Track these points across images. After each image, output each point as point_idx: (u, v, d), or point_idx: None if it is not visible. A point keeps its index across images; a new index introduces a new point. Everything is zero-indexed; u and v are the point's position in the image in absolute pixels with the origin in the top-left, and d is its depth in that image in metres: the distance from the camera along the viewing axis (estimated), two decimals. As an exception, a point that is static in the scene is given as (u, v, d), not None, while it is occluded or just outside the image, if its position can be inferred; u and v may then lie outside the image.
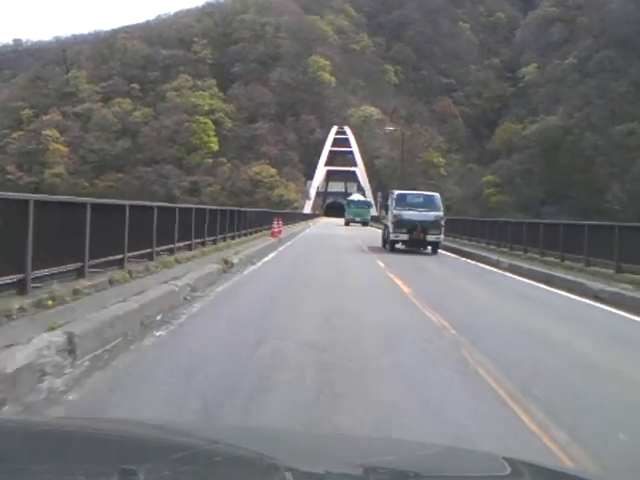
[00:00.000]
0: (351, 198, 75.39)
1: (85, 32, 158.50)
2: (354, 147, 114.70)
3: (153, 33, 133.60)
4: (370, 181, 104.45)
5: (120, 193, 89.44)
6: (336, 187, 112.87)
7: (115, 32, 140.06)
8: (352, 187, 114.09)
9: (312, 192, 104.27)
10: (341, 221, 68.92)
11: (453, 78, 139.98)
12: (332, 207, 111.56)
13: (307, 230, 44.13)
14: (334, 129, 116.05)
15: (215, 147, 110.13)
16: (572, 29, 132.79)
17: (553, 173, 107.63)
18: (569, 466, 3.53)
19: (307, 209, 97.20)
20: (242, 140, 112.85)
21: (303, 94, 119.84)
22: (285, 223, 37.89)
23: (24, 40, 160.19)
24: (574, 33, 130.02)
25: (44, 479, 1.38)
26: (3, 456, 1.50)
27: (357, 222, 63.20)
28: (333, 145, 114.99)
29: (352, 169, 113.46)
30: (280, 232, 27.88)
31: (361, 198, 77.04)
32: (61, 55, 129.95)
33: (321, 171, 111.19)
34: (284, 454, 1.71)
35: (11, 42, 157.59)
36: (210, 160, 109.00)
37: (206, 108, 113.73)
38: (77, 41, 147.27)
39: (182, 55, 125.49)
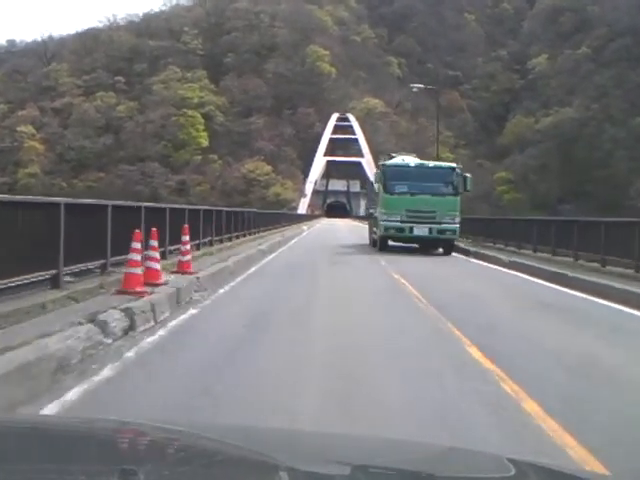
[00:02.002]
0: (396, 162, 24.81)
1: (80, 30, 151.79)
2: (359, 135, 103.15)
3: (141, 25, 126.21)
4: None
5: (101, 194, 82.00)
6: (337, 185, 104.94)
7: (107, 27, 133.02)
8: (355, 185, 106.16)
9: (309, 187, 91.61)
10: (346, 225, 53.00)
11: (459, 71, 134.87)
12: (333, 207, 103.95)
13: (291, 243, 26.65)
14: (334, 116, 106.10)
15: (205, 143, 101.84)
16: (583, 19, 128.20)
17: (570, 168, 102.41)
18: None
19: (302, 209, 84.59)
20: (235, 135, 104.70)
21: (301, 86, 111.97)
22: (252, 231, 25.48)
23: (18, 41, 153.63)
24: (585, 23, 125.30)
25: (44, 479, 1.38)
26: (3, 456, 1.50)
27: (419, 240, 22.74)
28: (334, 133, 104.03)
29: (357, 159, 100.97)
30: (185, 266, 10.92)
31: (426, 162, 24.99)
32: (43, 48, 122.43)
33: (320, 162, 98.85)
34: (284, 454, 1.71)
35: (5, 43, 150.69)
36: (199, 157, 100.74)
37: (195, 101, 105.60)
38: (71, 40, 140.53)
39: (171, 46, 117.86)
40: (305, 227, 46.88)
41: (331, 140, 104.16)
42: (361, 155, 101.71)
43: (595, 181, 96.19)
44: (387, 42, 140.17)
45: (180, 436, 1.84)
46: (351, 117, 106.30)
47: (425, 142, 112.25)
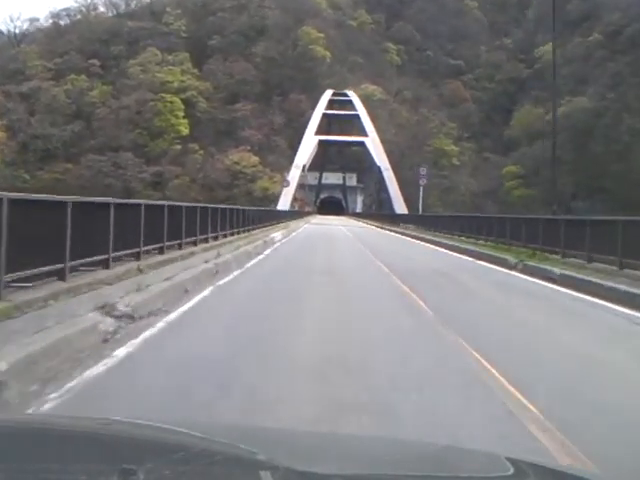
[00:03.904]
0: None
1: (54, 10, 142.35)
2: (361, 111, 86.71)
3: (120, 4, 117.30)
4: (372, 171, 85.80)
5: (66, 188, 73.58)
6: (332, 178, 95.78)
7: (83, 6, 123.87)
8: (351, 178, 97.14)
9: (294, 174, 72.14)
10: (350, 229, 39.86)
11: (461, 60, 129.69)
12: (327, 203, 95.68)
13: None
14: (329, 92, 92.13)
15: (185, 131, 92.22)
16: (591, 5, 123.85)
17: (585, 162, 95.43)
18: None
19: (284, 203, 66.23)
20: (219, 124, 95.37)
21: (292, 70, 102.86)
22: (160, 248, 12.69)
23: (5, 31, 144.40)
24: (595, 9, 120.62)
25: (44, 479, 1.40)
26: (3, 456, 1.52)
27: None
28: (329, 108, 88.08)
29: (359, 139, 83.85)
30: None
31: None
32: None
33: (310, 142, 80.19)
34: (284, 454, 1.74)
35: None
36: (178, 147, 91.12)
37: (176, 85, 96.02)
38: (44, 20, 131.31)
39: (152, 28, 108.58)
40: (278, 234, 28.75)
41: (325, 117, 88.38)
42: (364, 134, 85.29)
43: (612, 176, 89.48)
44: (385, 28, 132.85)
45: (180, 436, 1.85)
46: (350, 93, 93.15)
47: (427, 134, 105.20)
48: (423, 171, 51.24)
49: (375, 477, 1.64)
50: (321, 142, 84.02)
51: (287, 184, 62.52)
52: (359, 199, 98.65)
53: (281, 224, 37.83)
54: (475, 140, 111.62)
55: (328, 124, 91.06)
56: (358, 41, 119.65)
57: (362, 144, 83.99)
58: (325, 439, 2.31)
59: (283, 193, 65.15)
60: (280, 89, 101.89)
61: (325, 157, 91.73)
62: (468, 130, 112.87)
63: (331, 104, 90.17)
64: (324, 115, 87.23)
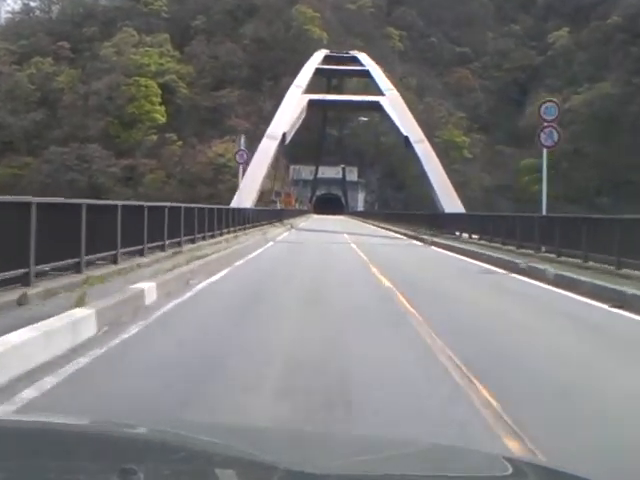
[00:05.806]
0: None
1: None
2: (371, 66, 65.11)
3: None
4: (374, 164, 75.43)
5: (25, 185, 64.24)
6: (329, 172, 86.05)
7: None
8: (352, 173, 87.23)
9: (266, 147, 50.01)
10: (377, 262, 20.81)
11: (467, 47, 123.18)
12: (324, 201, 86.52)
13: None
14: (322, 52, 73.50)
15: (162, 119, 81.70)
16: None
17: (610, 154, 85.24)
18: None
19: (245, 197, 39.03)
20: (202, 111, 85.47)
21: (285, 53, 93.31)
22: None
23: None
24: None
25: (44, 479, 1.40)
26: (3, 456, 1.53)
27: None
28: (325, 63, 68.13)
29: (373, 98, 59.30)
30: None
31: None
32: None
33: (295, 103, 54.34)
34: (284, 454, 1.76)
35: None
36: (154, 137, 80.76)
37: (153, 69, 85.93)
38: None
39: (131, 8, 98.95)
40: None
41: (321, 74, 65.02)
42: (381, 93, 60.35)
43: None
44: (386, 14, 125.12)
45: (180, 436, 1.86)
46: (355, 52, 74.79)
47: (435, 123, 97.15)
48: (552, 112, 21.47)
49: (375, 477, 1.64)
50: (312, 104, 58.17)
51: (242, 159, 34.46)
52: (360, 196, 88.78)
53: (204, 242, 18.46)
54: (485, 132, 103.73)
55: (327, 85, 71.89)
56: (357, 24, 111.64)
57: (376, 106, 59.80)
58: (324, 439, 2.29)
59: (244, 176, 38.34)
60: (271, 73, 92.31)
61: (322, 112, 74.40)
62: (477, 121, 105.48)
63: (329, 61, 69.79)
64: (319, 71, 64.02)
